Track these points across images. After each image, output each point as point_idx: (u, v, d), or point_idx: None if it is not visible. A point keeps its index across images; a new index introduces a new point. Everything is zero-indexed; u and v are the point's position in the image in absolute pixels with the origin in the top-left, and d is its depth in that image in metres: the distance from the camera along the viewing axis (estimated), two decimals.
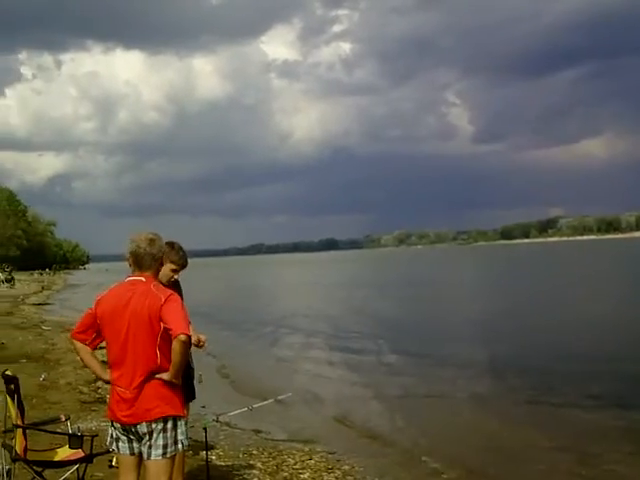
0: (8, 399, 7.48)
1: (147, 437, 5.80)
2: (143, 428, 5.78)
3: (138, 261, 6.02)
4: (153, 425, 5.77)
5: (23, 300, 53.21)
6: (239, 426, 12.69)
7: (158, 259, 6.07)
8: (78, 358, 6.35)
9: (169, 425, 5.80)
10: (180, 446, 5.89)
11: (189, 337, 5.66)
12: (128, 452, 5.91)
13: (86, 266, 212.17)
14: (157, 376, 5.76)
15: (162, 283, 6.31)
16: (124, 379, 5.85)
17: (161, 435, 5.77)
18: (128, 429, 5.85)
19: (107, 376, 6.05)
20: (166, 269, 7.11)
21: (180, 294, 7.21)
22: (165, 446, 5.78)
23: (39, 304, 49.82)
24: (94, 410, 13.51)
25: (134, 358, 5.79)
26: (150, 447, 5.78)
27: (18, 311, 41.65)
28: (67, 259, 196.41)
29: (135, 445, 5.88)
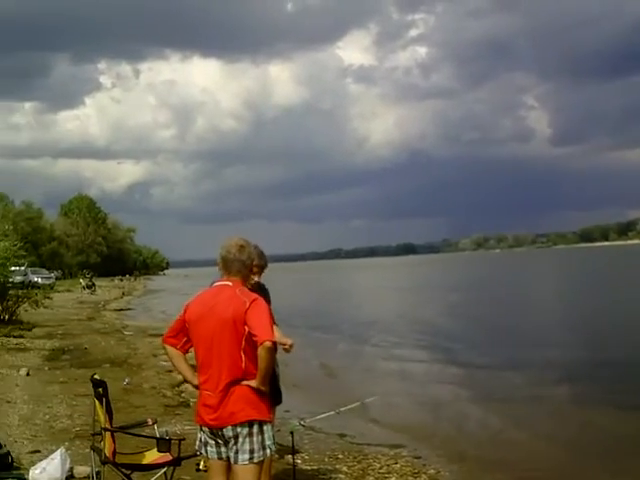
0: (96, 403, 7.56)
1: (233, 441, 5.77)
2: (229, 432, 5.77)
3: (227, 266, 6.05)
4: (238, 429, 5.75)
5: (104, 306, 53.85)
6: (323, 430, 12.62)
7: (247, 265, 6.09)
8: (167, 363, 6.41)
9: (255, 429, 5.77)
10: (268, 451, 5.85)
11: (274, 343, 5.67)
12: (216, 456, 5.91)
13: (165, 272, 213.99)
14: (244, 383, 5.75)
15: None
16: (210, 383, 5.87)
17: (247, 440, 5.75)
18: (216, 433, 5.85)
19: (196, 381, 6.06)
20: None
21: (267, 298, 7.22)
22: (252, 451, 5.75)
23: (120, 310, 50.34)
24: (178, 414, 13.59)
25: (219, 362, 5.80)
26: (237, 452, 5.76)
27: (100, 317, 42.17)
28: (147, 265, 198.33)
29: (223, 449, 5.86)
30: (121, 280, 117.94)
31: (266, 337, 5.59)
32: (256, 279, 7.49)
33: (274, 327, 7.37)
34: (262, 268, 7.64)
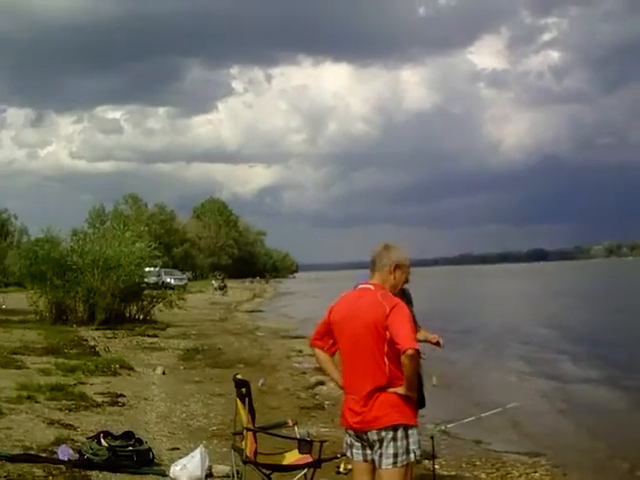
0: (239, 402, 7.59)
1: (378, 445, 5.72)
2: (373, 436, 5.72)
3: (371, 269, 6.06)
4: (383, 433, 5.69)
5: (236, 307, 54.54)
6: (459, 435, 12.44)
7: (388, 268, 6.01)
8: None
9: (399, 434, 5.70)
10: (412, 456, 5.75)
11: (417, 351, 5.56)
12: (361, 458, 5.86)
13: (295, 275, 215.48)
14: (391, 390, 5.69)
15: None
16: (354, 387, 5.84)
17: (392, 444, 5.68)
18: (360, 436, 5.80)
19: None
20: None
21: (408, 302, 7.12)
22: (396, 455, 5.67)
23: (251, 311, 50.89)
24: (313, 416, 13.63)
25: (363, 366, 5.76)
26: (381, 455, 5.70)
27: (232, 318, 42.77)
28: (276, 268, 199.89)
29: (368, 452, 5.81)
30: (251, 282, 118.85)
31: (408, 345, 5.51)
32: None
33: (419, 329, 7.29)
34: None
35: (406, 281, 6.19)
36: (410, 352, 5.48)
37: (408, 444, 5.71)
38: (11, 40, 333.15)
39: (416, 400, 6.05)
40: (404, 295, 7.21)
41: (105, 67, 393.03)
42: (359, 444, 5.84)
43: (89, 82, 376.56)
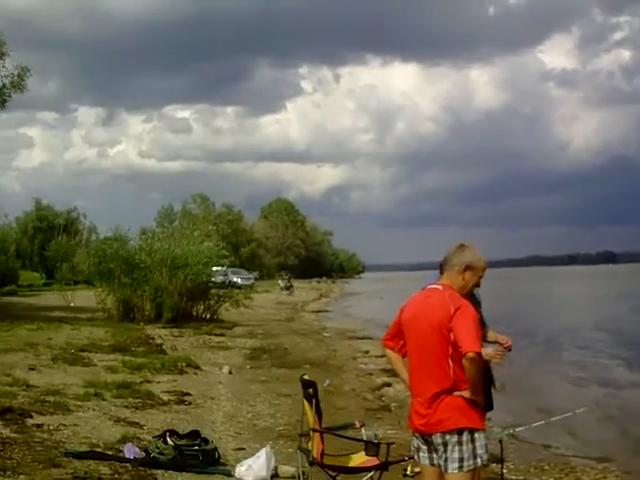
0: (305, 403, 7.55)
1: (442, 449, 5.64)
2: (437, 439, 5.64)
3: (441, 269, 6.02)
4: (447, 437, 5.60)
5: (302, 307, 54.58)
6: (527, 439, 12.26)
7: (458, 269, 5.91)
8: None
9: (465, 438, 5.60)
10: (479, 460, 5.66)
11: (478, 354, 5.48)
12: (428, 462, 5.79)
13: (361, 275, 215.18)
14: (456, 394, 5.61)
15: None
16: (420, 388, 5.78)
17: (457, 448, 5.59)
18: (427, 439, 5.73)
19: None
20: None
21: (475, 303, 6.99)
22: (461, 459, 5.58)
23: (318, 311, 50.89)
24: (379, 418, 13.56)
25: (428, 368, 5.70)
26: (446, 460, 5.62)
27: (298, 317, 42.84)
28: (343, 268, 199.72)
29: (434, 456, 5.73)
30: (318, 282, 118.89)
31: (469, 348, 5.45)
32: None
33: (487, 330, 7.16)
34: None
35: (476, 285, 6.07)
36: (471, 355, 5.42)
37: (475, 448, 5.62)
38: (83, 39, 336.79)
39: (484, 403, 5.94)
40: (471, 297, 7.09)
41: (175, 66, 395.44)
42: (426, 447, 5.77)
43: (159, 81, 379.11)
